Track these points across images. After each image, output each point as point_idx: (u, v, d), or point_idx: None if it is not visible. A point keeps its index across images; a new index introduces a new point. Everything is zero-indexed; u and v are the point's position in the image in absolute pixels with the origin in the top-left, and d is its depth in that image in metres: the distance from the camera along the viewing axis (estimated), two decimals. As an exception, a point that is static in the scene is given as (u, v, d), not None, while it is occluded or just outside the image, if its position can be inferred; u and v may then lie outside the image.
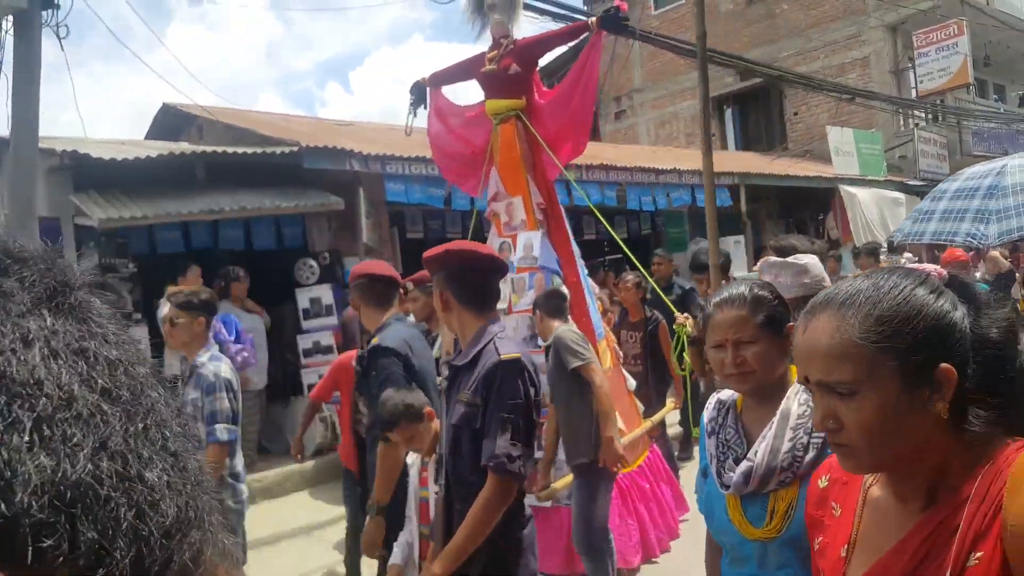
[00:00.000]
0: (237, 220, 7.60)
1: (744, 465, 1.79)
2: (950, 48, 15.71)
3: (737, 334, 1.82)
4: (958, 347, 1.01)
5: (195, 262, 6.79)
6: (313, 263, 7.94)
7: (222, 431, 3.69)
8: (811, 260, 2.60)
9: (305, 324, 7.77)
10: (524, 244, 5.33)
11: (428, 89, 5.97)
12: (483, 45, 5.61)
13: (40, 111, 5.58)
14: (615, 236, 5.96)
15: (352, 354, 4.80)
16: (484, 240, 5.75)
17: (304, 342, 7.70)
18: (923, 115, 16.82)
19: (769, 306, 1.85)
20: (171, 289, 3.94)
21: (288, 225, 8.12)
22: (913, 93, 16.93)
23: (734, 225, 12.85)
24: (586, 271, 5.77)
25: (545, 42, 5.75)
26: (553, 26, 7.62)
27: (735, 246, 11.24)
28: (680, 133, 20.11)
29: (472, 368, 2.44)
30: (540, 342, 4.68)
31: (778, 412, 1.80)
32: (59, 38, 5.53)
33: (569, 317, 4.67)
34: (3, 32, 5.45)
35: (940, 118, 16.83)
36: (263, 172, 7.74)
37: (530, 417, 2.42)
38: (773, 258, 2.70)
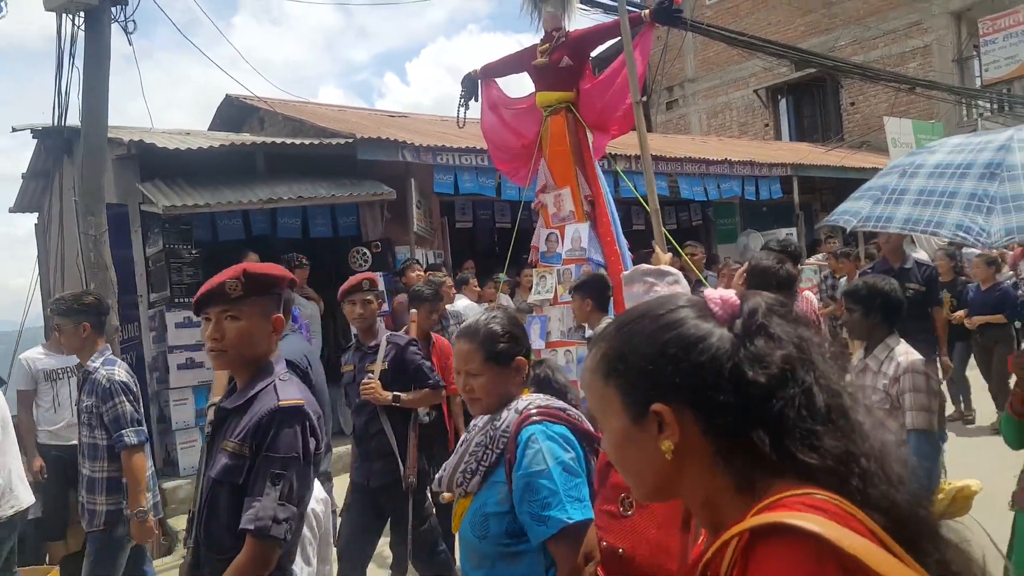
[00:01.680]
0: (295, 209, 7.83)
1: (440, 472, 2.12)
2: (1019, 35, 15.16)
3: (467, 365, 2.06)
4: (693, 385, 0.90)
5: (254, 250, 7.02)
6: (366, 251, 8.13)
7: (130, 435, 3.60)
8: (679, 274, 2.60)
9: (357, 310, 7.97)
10: (572, 236, 5.40)
11: (480, 81, 6.06)
12: (539, 37, 5.65)
13: (110, 101, 5.85)
14: (663, 229, 5.97)
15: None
16: (532, 231, 5.84)
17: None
18: (988, 105, 16.28)
19: (499, 342, 2.07)
20: (57, 295, 3.89)
21: (343, 214, 8.33)
22: (977, 82, 16.40)
23: (786, 217, 12.69)
24: (631, 264, 5.81)
25: (598, 35, 5.77)
26: (606, 18, 7.64)
27: (786, 238, 11.09)
28: (732, 123, 19.85)
29: (244, 412, 2.08)
30: (586, 333, 4.72)
31: (464, 437, 2.10)
32: (127, 33, 5.79)
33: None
34: (75, 27, 5.73)
35: (1007, 108, 16.27)
36: (319, 162, 7.95)
37: (306, 476, 2.07)
38: (646, 265, 2.64)
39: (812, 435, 0.88)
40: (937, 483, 3.21)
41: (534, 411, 1.98)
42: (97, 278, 5.83)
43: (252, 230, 7.90)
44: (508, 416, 2.00)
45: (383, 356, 3.98)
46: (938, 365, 5.58)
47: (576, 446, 1.96)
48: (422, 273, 6.88)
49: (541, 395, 2.10)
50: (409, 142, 8.08)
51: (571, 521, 1.81)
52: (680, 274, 2.53)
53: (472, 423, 2.15)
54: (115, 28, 5.73)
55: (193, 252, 7.02)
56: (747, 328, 0.92)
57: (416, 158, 8.12)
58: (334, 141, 7.85)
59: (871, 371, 3.29)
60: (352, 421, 4.15)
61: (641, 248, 9.52)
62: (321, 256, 8.25)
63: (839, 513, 0.82)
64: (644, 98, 6.19)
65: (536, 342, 5.35)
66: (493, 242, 11.10)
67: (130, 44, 5.81)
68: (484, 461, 1.98)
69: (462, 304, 7.04)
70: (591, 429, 2.03)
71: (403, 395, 3.89)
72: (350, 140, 7.74)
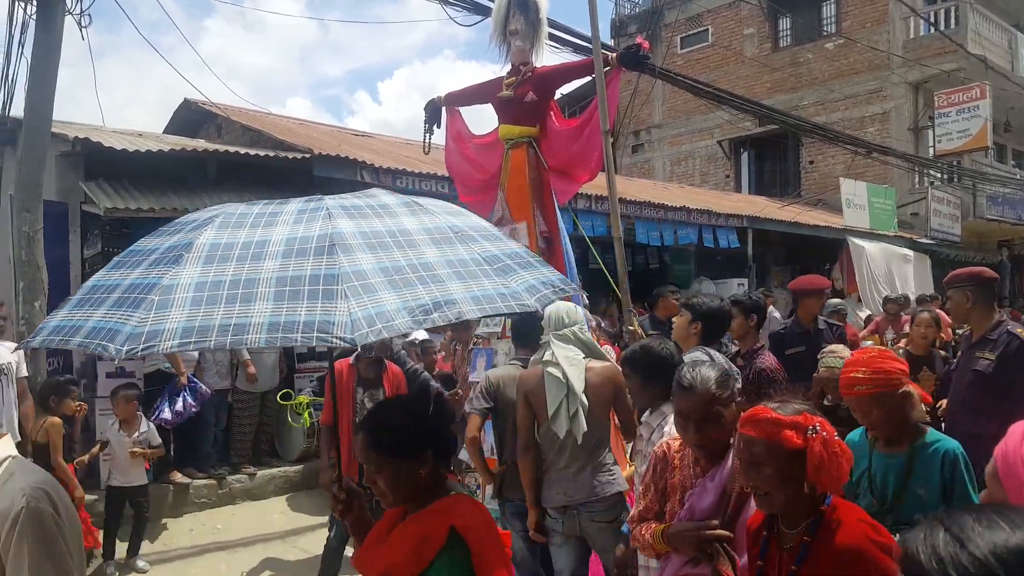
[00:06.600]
0: (244, 221, 7.61)
1: None
2: (971, 111, 15.74)
3: None
4: None
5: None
6: (315, 270, 7.94)
7: None
8: None
9: (302, 330, 7.75)
10: (524, 271, 5.31)
11: (444, 109, 6.00)
12: (507, 70, 5.62)
13: (71, 95, 5.64)
14: (604, 268, 5.99)
15: (345, 362, 4.75)
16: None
17: (299, 347, 7.70)
18: (939, 175, 16.83)
19: None
20: None
21: (294, 230, 8.13)
22: (931, 152, 16.94)
23: (739, 267, 12.83)
24: (586, 302, 5.74)
25: (564, 73, 5.76)
26: (575, 57, 7.66)
27: (738, 288, 11.21)
28: (695, 171, 20.16)
29: None
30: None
31: None
32: (81, 27, 5.58)
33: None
34: (28, 16, 5.52)
35: (955, 179, 16.83)
36: (274, 175, 7.77)
37: None
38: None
39: None
40: None
41: None
42: (27, 277, 5.57)
43: (198, 239, 7.65)
44: None
45: None
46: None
47: None
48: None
49: None
50: (369, 162, 7.95)
51: None
52: None
53: None
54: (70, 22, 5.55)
55: (132, 257, 6.75)
56: None
57: (375, 179, 7.98)
58: (290, 155, 7.68)
59: (643, 439, 2.91)
60: None
61: (601, 287, 9.47)
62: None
63: None
64: (612, 139, 6.20)
65: (481, 375, 5.22)
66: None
67: (83, 38, 5.62)
68: None
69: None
70: None
71: None
72: (307, 155, 7.59)
